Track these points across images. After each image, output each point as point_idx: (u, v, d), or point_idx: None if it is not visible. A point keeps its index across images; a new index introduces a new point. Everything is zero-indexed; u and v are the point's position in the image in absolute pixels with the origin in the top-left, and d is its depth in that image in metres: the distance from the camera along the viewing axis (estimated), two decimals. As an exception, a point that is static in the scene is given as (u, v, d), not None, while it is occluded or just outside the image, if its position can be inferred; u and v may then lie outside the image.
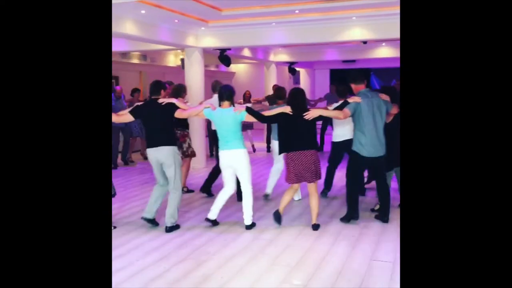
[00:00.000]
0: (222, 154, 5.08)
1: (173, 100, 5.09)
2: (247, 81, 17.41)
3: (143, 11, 6.92)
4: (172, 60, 13.79)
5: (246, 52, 11.42)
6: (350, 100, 5.06)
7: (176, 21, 7.80)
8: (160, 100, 5.03)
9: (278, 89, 6.36)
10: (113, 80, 12.74)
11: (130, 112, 5.10)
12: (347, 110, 5.01)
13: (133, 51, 11.55)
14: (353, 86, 5.25)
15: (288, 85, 16.47)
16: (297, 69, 15.94)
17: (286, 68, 14.29)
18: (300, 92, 5.11)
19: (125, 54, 11.89)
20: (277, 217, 5.13)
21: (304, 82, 17.26)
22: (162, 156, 4.98)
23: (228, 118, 4.95)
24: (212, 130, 6.99)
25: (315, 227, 5.03)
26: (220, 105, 5.08)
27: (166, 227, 5.02)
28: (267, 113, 5.10)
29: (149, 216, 5.15)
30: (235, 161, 5.02)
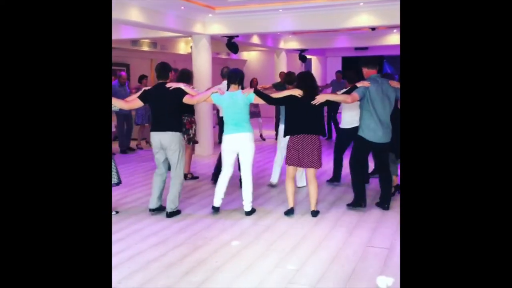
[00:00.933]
0: (229, 138, 5.02)
1: (181, 85, 5.06)
2: (258, 69, 17.37)
3: (148, -2, 6.94)
4: (183, 48, 13.82)
5: (256, 40, 11.38)
6: (358, 84, 5.03)
7: (182, 8, 7.81)
8: (168, 85, 5.02)
9: (288, 74, 6.36)
10: (123, 68, 12.85)
11: (139, 97, 5.07)
12: (355, 94, 4.97)
13: (142, 39, 11.58)
14: (365, 70, 5.21)
15: (299, 73, 16.40)
16: (309, 56, 15.83)
17: (297, 56, 14.20)
18: (309, 75, 5.10)
19: (135, 42, 11.94)
20: (290, 212, 5.09)
21: (315, 70, 17.16)
22: (166, 141, 4.98)
23: (237, 100, 4.94)
24: (220, 117, 7.04)
25: (314, 213, 5.04)
26: (228, 89, 5.08)
27: (167, 212, 5.07)
28: (275, 95, 5.10)
29: (153, 206, 5.16)
30: (242, 145, 5.00)
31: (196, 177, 7.04)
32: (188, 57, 13.35)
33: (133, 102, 5.12)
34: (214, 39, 9.86)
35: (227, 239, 4.39)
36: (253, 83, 10.43)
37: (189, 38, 12.93)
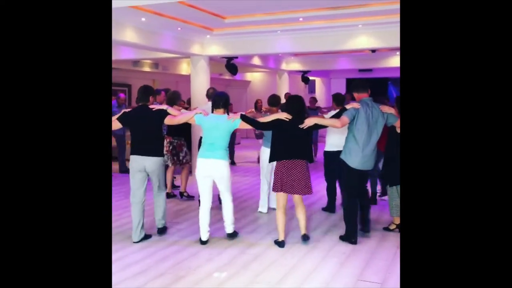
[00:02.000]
0: (203, 162, 4.81)
1: (164, 107, 4.98)
2: (262, 90, 17.29)
3: (143, 19, 6.87)
4: (185, 69, 13.76)
5: (256, 61, 11.30)
6: (348, 106, 4.80)
7: (179, 29, 7.73)
8: (151, 106, 4.93)
9: (272, 96, 6.16)
10: (125, 88, 12.82)
11: (118, 118, 4.93)
12: (345, 118, 4.72)
13: (143, 59, 11.54)
14: (355, 94, 4.97)
15: (303, 94, 16.28)
16: (312, 78, 15.75)
17: (299, 77, 14.10)
18: (297, 98, 4.90)
19: (136, 62, 11.91)
20: (281, 244, 4.80)
21: (319, 91, 17.04)
22: (151, 166, 4.87)
23: (221, 125, 4.77)
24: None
25: (305, 237, 4.80)
26: (213, 112, 4.92)
27: (158, 228, 5.07)
28: (262, 119, 4.88)
29: (137, 239, 4.92)
30: (216, 172, 4.81)
31: (192, 197, 6.98)
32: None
33: (111, 124, 4.91)
34: (215, 60, 9.79)
35: (212, 269, 4.17)
36: (258, 105, 10.27)
37: (191, 59, 12.94)
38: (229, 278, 3.97)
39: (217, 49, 8.91)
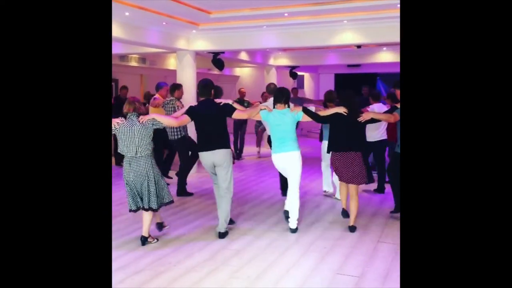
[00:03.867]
0: (277, 157, 5.06)
1: (229, 101, 4.99)
2: (251, 85, 17.24)
3: (126, 13, 6.81)
4: (173, 63, 13.66)
5: (244, 56, 11.26)
6: (398, 105, 5.19)
7: (164, 23, 7.69)
8: (218, 100, 4.95)
9: (329, 92, 6.54)
10: (112, 83, 12.75)
11: (186, 112, 4.88)
12: (397, 115, 5.10)
13: (130, 54, 11.47)
14: (397, 92, 5.47)
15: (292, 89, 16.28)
16: (301, 73, 15.73)
17: (288, 72, 14.08)
18: (351, 94, 5.22)
19: (123, 57, 11.82)
20: (346, 214, 5.33)
21: (308, 87, 17.05)
22: (220, 159, 4.86)
23: (286, 119, 4.97)
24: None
25: (351, 228, 5.11)
26: (274, 107, 5.06)
27: (219, 233, 4.91)
28: (322, 113, 5.14)
29: (224, 229, 4.96)
30: (289, 163, 5.01)
31: (191, 194, 6.99)
32: (178, 72, 13.24)
33: (182, 119, 4.88)
34: (202, 55, 9.75)
35: (191, 265, 4.18)
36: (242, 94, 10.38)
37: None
38: (207, 274, 3.97)
39: (203, 44, 8.87)
